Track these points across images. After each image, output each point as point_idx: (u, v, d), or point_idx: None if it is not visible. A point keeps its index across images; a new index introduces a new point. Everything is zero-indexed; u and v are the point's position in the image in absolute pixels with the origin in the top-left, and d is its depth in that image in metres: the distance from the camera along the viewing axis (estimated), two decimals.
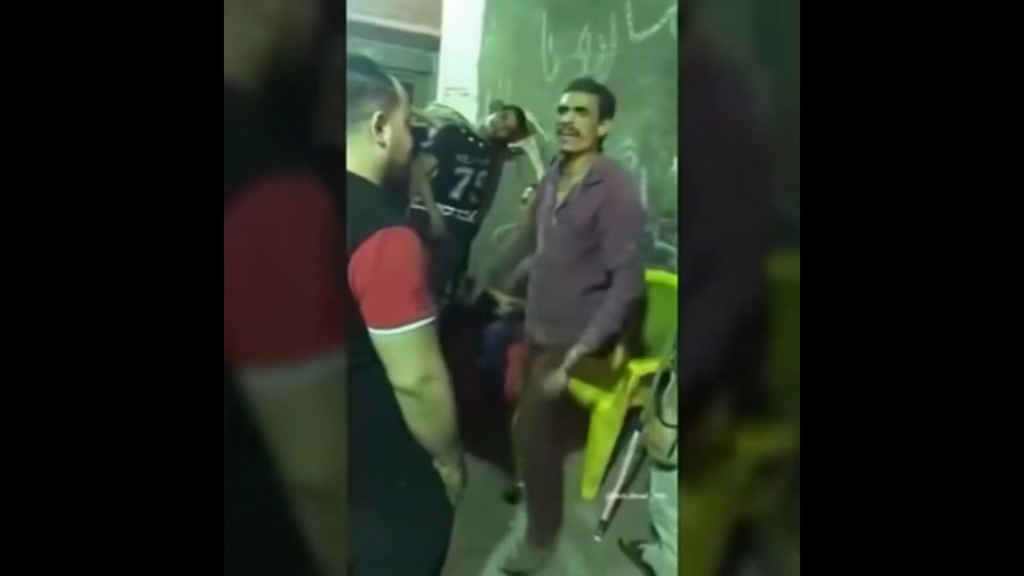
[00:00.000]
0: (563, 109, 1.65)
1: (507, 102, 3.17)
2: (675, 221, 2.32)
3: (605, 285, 1.64)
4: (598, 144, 1.69)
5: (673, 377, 1.36)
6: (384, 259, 0.83)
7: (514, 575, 1.78)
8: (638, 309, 1.86)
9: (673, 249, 2.40)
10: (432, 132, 3.08)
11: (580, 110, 1.63)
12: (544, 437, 1.76)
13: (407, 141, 0.97)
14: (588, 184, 1.64)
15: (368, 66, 0.93)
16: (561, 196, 1.70)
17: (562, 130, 1.65)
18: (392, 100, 0.93)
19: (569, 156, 1.68)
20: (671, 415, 1.33)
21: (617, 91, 1.75)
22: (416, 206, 2.95)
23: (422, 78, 5.46)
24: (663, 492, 1.50)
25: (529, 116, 3.09)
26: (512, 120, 2.96)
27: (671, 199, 2.36)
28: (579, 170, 1.67)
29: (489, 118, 3.02)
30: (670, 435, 1.35)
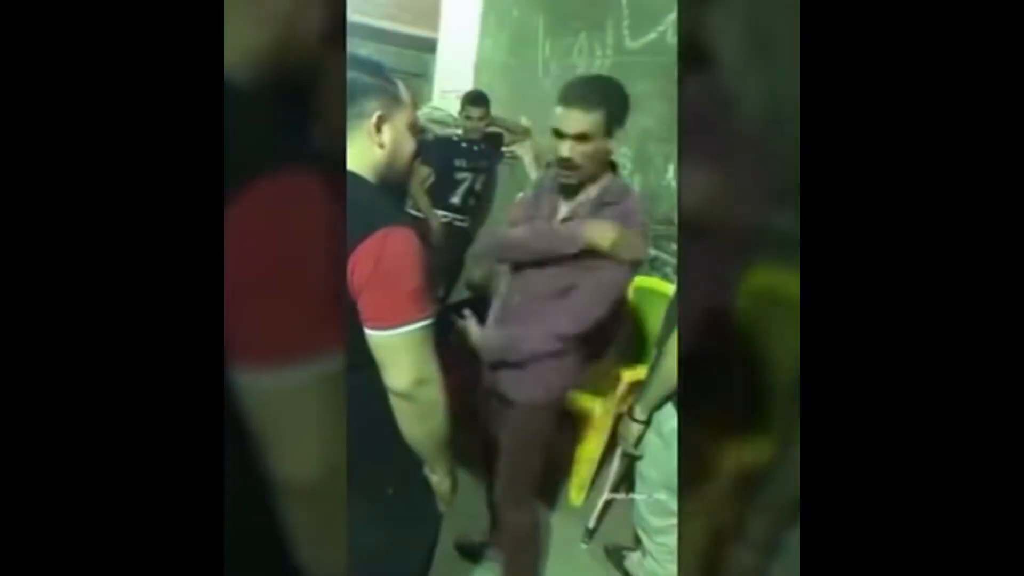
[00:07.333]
0: (559, 134, 1.26)
1: (494, 103, 3.00)
2: (670, 228, 2.33)
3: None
4: (608, 164, 1.35)
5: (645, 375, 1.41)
6: (383, 258, 0.82)
7: None
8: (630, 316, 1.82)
9: (667, 257, 2.41)
10: (427, 138, 3.05)
11: (581, 138, 1.24)
12: (525, 507, 1.56)
13: (409, 145, 0.95)
14: (602, 203, 1.33)
15: (372, 66, 0.92)
16: (565, 208, 1.39)
17: (559, 164, 1.29)
18: (394, 102, 0.92)
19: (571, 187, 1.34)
20: (640, 411, 1.40)
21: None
22: (414, 212, 2.94)
23: (417, 80, 5.45)
24: (646, 499, 1.50)
25: (524, 121, 3.07)
26: (479, 110, 2.88)
27: (666, 207, 2.38)
28: (588, 189, 1.36)
29: (463, 116, 2.94)
30: (636, 429, 1.42)
